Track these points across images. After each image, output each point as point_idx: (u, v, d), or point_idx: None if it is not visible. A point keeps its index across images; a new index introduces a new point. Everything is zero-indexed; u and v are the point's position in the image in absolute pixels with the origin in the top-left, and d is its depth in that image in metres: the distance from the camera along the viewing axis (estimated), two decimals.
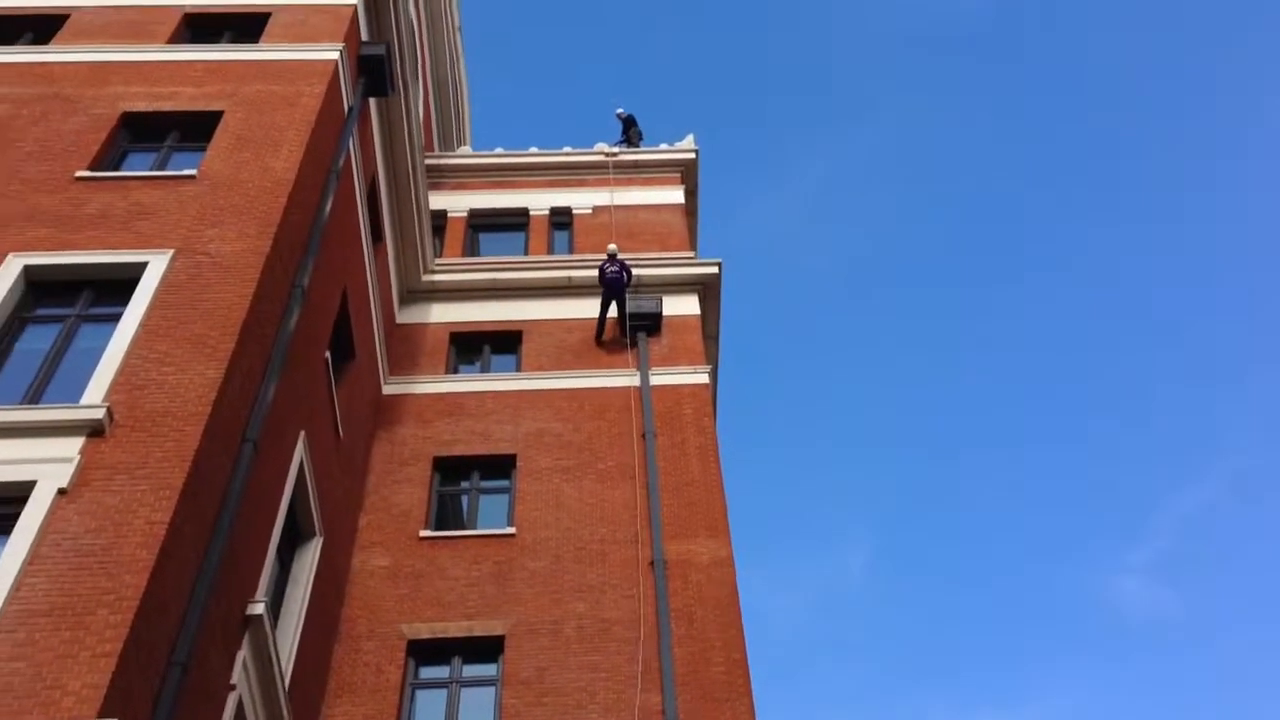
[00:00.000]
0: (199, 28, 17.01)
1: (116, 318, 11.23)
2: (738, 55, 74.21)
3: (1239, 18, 62.62)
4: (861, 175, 70.25)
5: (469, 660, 14.71)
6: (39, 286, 11.82)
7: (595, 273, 19.89)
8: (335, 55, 15.66)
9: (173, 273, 11.76)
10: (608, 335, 19.43)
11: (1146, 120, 65.99)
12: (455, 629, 14.87)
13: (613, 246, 19.82)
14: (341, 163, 15.20)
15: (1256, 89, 62.52)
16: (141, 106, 14.69)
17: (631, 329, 19.37)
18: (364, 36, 17.45)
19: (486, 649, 14.72)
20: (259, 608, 10.96)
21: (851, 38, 70.85)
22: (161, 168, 13.90)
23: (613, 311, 19.49)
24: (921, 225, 68.39)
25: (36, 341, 11.32)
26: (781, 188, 70.38)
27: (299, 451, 13.14)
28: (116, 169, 13.82)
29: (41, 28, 16.43)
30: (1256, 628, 56.32)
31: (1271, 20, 60.00)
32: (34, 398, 10.52)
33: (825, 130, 70.83)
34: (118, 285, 11.69)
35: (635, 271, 20.33)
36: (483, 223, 23.05)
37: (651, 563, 15.54)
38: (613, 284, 19.23)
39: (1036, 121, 68.67)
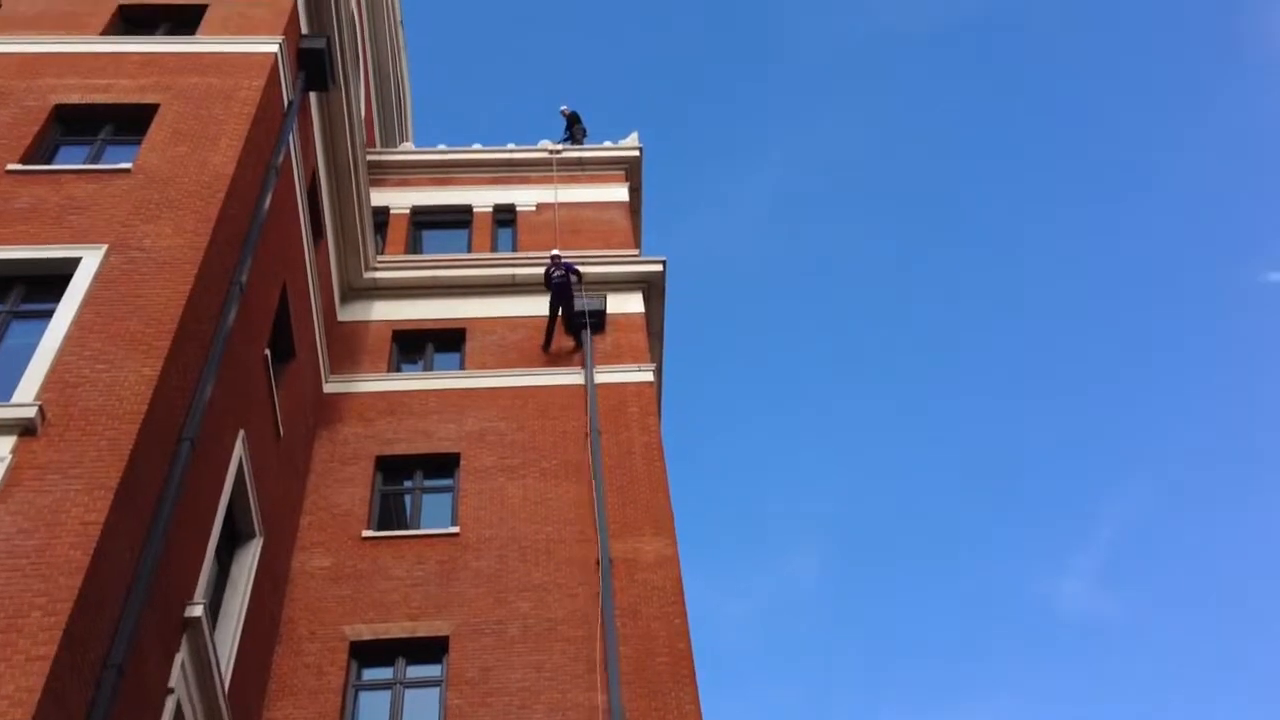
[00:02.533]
0: (134, 19, 16.68)
1: (49, 314, 10.97)
2: (692, 52, 74.34)
3: (1221, 16, 63.87)
4: (819, 177, 70.72)
5: (413, 661, 14.57)
6: None
7: (539, 270, 19.80)
8: (275, 48, 15.43)
9: (107, 268, 11.52)
10: (555, 343, 19.24)
11: (1113, 119, 67.07)
12: (398, 630, 14.72)
13: (556, 250, 19.68)
14: (281, 158, 14.97)
15: (1244, 89, 63.80)
16: (75, 99, 14.37)
17: (576, 327, 19.31)
18: (304, 29, 17.22)
19: (430, 649, 14.59)
20: (197, 609, 10.77)
21: (810, 35, 71.21)
22: (95, 161, 13.61)
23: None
24: (876, 226, 69.00)
25: None
26: (738, 188, 70.66)
27: (238, 451, 12.93)
28: (49, 163, 13.52)
29: None
30: (1188, 631, 57.66)
31: (1256, 18, 61.34)
32: None
33: (783, 131, 71.15)
34: (50, 281, 11.43)
35: (579, 269, 20.28)
36: (425, 219, 22.87)
37: (597, 561, 15.51)
38: (559, 289, 19.06)
39: (1001, 122, 69.53)
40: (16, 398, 9.95)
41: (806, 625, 61.94)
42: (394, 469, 17.35)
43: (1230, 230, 63.61)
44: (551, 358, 19.08)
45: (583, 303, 19.52)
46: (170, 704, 10.19)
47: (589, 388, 18.25)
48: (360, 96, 20.92)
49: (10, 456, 9.34)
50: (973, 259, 67.34)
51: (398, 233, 22.16)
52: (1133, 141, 66.73)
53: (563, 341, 19.25)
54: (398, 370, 19.33)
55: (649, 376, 18.85)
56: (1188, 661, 56.88)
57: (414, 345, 19.85)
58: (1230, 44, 64.74)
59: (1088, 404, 62.94)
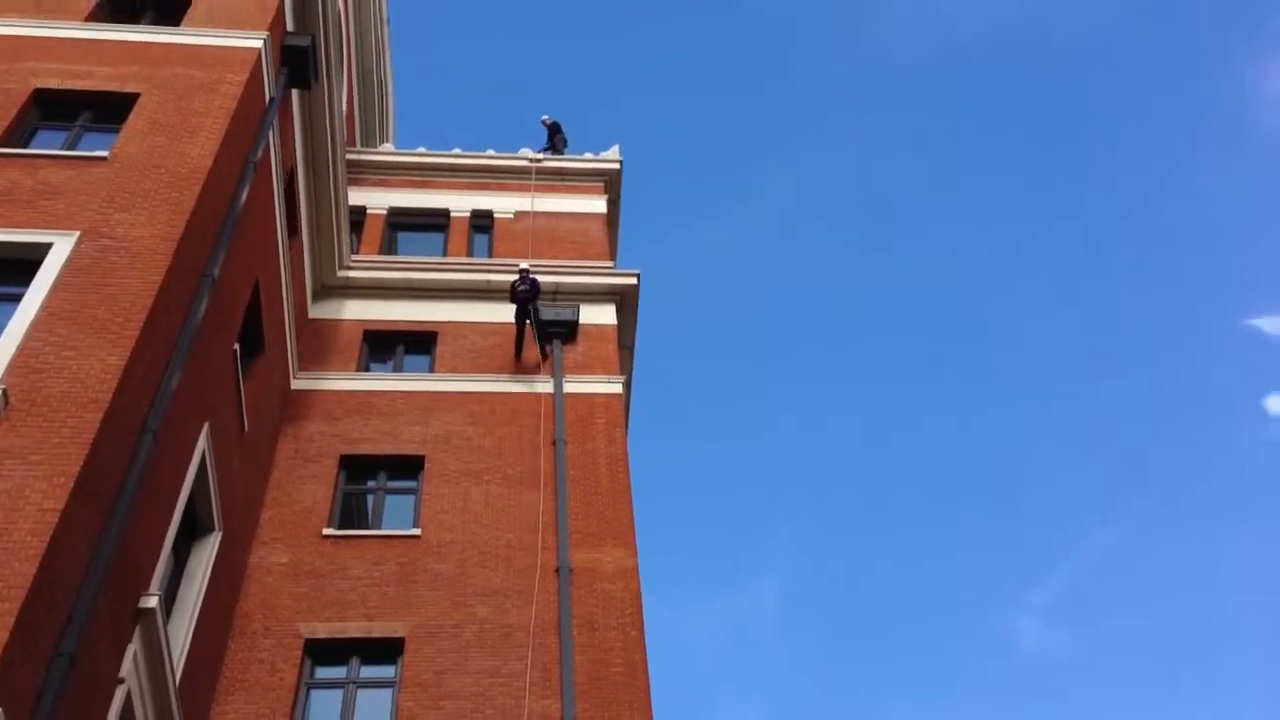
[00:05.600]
0: (118, 7, 16.64)
1: (17, 298, 10.94)
2: (685, 67, 74.48)
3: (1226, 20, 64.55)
4: (814, 205, 70.94)
5: (367, 661, 14.56)
6: None
7: (514, 277, 19.86)
8: (259, 44, 15.45)
9: (78, 255, 11.50)
10: (525, 352, 19.27)
11: (1109, 143, 67.70)
12: (354, 629, 14.72)
13: (524, 264, 19.63)
14: (260, 153, 14.98)
15: (1251, 100, 64.52)
16: (54, 84, 14.34)
17: (547, 336, 19.37)
18: (289, 26, 17.23)
19: (385, 650, 14.59)
20: (152, 601, 10.75)
21: (814, 57, 71.55)
22: (72, 148, 13.59)
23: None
24: (854, 251, 69.29)
25: None
26: (724, 205, 70.84)
27: (201, 443, 12.91)
28: (25, 146, 13.48)
29: None
30: (1138, 670, 58.17)
31: (1257, 22, 62.13)
32: None
33: (772, 153, 71.35)
34: (20, 265, 11.39)
35: (554, 279, 20.38)
36: (402, 221, 22.89)
37: (556, 569, 15.55)
38: (524, 302, 19.06)
39: (1000, 150, 69.97)
40: None
41: (767, 647, 62.07)
42: (358, 468, 17.34)
43: (1212, 271, 64.39)
44: (522, 365, 19.14)
45: (556, 312, 19.59)
46: (120, 694, 10.16)
47: (557, 397, 18.32)
48: (342, 94, 20.95)
49: None
50: (944, 292, 67.75)
51: (373, 233, 22.17)
52: (1124, 168, 67.41)
53: (533, 351, 19.30)
54: (367, 370, 19.33)
55: (618, 389, 18.93)
56: (1142, 695, 57.36)
57: (384, 346, 19.86)
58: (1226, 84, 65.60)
59: (1059, 437, 63.48)
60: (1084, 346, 64.75)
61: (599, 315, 20.37)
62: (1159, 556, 61.46)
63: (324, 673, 14.46)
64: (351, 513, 17.00)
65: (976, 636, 60.98)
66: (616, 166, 24.01)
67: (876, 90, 70.19)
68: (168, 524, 11.78)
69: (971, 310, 66.25)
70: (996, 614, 62.40)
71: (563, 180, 23.74)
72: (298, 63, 16.90)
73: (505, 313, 19.88)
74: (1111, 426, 63.50)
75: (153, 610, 10.71)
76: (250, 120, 14.95)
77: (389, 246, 22.28)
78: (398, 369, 19.48)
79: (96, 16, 16.15)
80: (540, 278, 19.70)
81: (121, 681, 10.19)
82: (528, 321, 19.12)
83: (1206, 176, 63.96)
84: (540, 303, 19.36)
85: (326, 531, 15.92)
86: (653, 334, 59.50)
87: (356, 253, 21.39)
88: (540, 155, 24.07)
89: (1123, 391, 63.95)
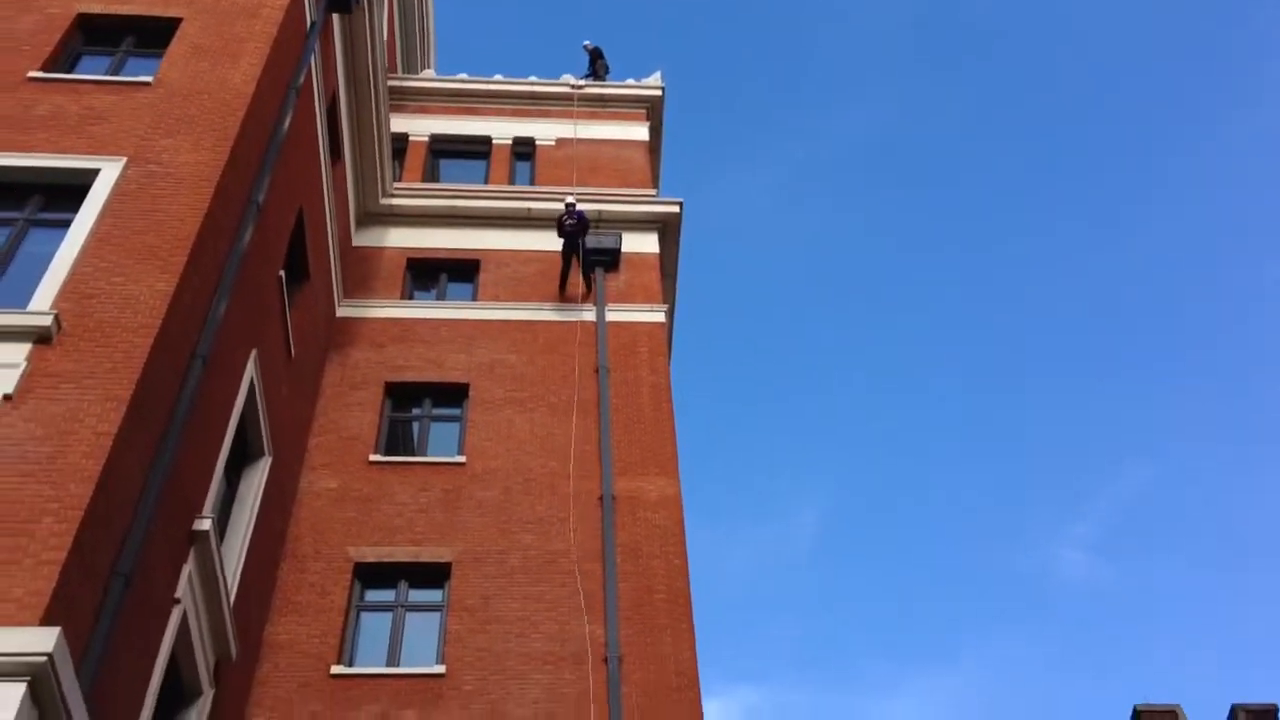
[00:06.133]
0: None
1: (67, 224, 10.96)
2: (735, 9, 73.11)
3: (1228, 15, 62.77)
4: (845, 154, 70.00)
5: (415, 585, 14.77)
6: None
7: (556, 205, 19.74)
8: None
9: (125, 181, 11.49)
10: (570, 284, 19.15)
11: (1129, 116, 66.33)
12: (402, 554, 14.90)
13: (570, 199, 19.41)
14: (302, 79, 14.87)
15: (1251, 86, 62.87)
16: (97, 8, 14.23)
17: (590, 264, 19.27)
18: None
19: (433, 575, 14.78)
20: (205, 524, 10.90)
21: (853, 18, 70.13)
22: (116, 73, 13.52)
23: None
24: (896, 208, 68.45)
25: None
26: (765, 155, 70.05)
27: (250, 370, 13.00)
28: (70, 71, 13.43)
29: None
30: (1182, 602, 58.02)
31: (1259, 16, 60.28)
32: None
33: (812, 107, 70.34)
34: (69, 190, 11.40)
35: (596, 207, 20.21)
36: (444, 148, 22.75)
37: (600, 497, 15.63)
38: (571, 238, 18.90)
39: (1024, 116, 68.68)
40: (33, 305, 9.99)
41: (804, 577, 62.48)
42: (403, 396, 17.44)
43: (1232, 228, 63.08)
44: (565, 295, 19.05)
45: (598, 240, 19.45)
46: (176, 614, 10.36)
47: (600, 325, 18.27)
48: (383, 19, 20.72)
49: (25, 364, 9.39)
50: (986, 247, 66.83)
51: (415, 160, 22.06)
52: (1139, 144, 65.96)
53: (578, 283, 19.17)
54: (410, 298, 19.35)
55: (660, 317, 18.85)
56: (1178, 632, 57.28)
57: (428, 274, 19.86)
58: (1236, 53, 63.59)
59: (1089, 386, 62.83)
60: (1126, 287, 63.82)
61: (641, 244, 20.23)
62: (1196, 490, 61.01)
63: (373, 595, 14.69)
64: (397, 439, 17.13)
65: (1019, 569, 61.05)
66: (659, 93, 23.67)
67: (898, 56, 68.77)
68: (219, 449, 11.91)
69: (1016, 259, 65.36)
70: (1039, 548, 62.35)
71: (604, 106, 23.45)
72: None
73: (547, 241, 19.78)
74: (1142, 374, 62.76)
75: (206, 533, 10.87)
76: (292, 45, 14.83)
77: (431, 174, 22.18)
78: (441, 297, 19.48)
79: None
80: (582, 206, 19.54)
81: (178, 602, 10.38)
82: (574, 256, 18.98)
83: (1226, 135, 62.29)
84: (583, 246, 19.14)
85: (373, 458, 16.06)
86: (694, 265, 59.25)
87: (399, 180, 21.32)
88: (582, 81, 23.76)
89: (1161, 332, 63.09)
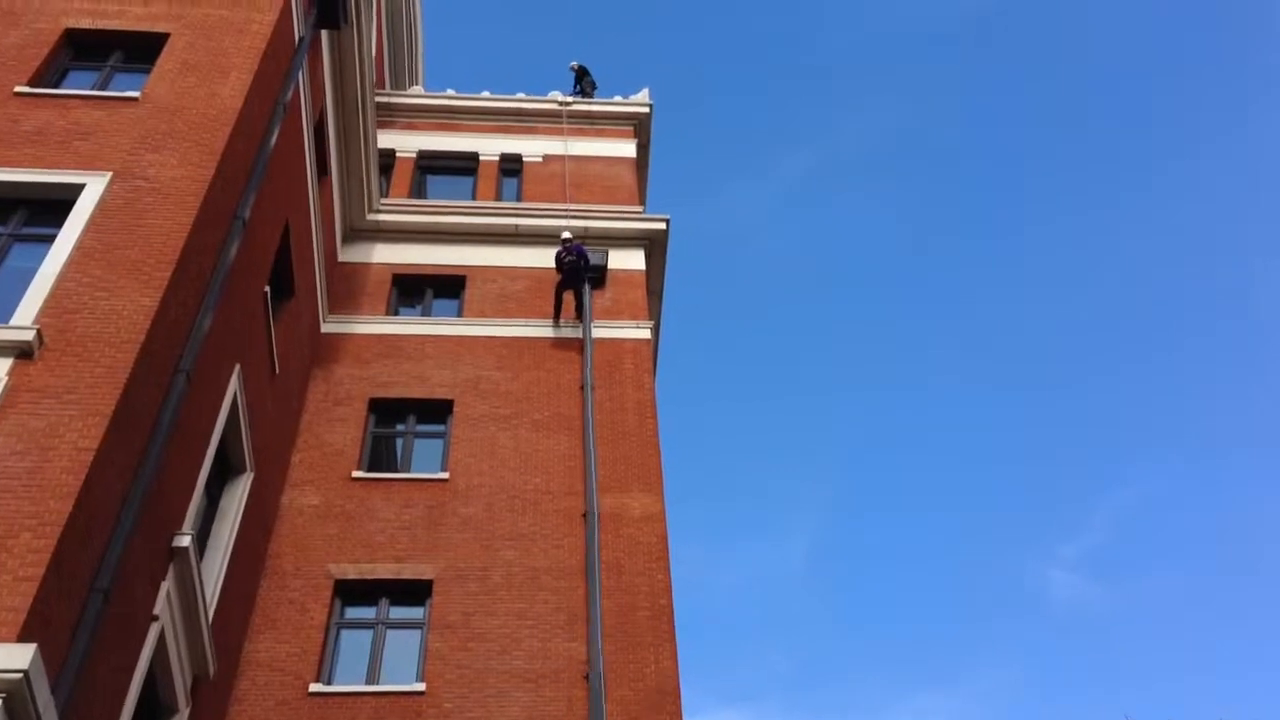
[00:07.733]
0: None
1: (50, 239, 10.98)
2: (720, 24, 73.51)
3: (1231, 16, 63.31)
4: (844, 168, 70.33)
5: (396, 602, 14.73)
6: None
7: (543, 222, 19.79)
8: None
9: (110, 196, 11.52)
10: (564, 317, 18.88)
11: (1135, 119, 66.78)
12: (383, 570, 14.87)
13: (567, 233, 19.29)
14: (290, 95, 14.90)
15: (1254, 88, 63.36)
16: (85, 23, 14.28)
17: (577, 282, 19.24)
18: None
19: (414, 592, 14.75)
20: (185, 540, 10.88)
21: (839, 28, 70.57)
22: (103, 88, 13.55)
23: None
24: (887, 216, 68.77)
25: None
26: (762, 172, 70.33)
27: (233, 385, 12.99)
28: (57, 87, 13.45)
29: None
30: (1168, 623, 58.17)
31: (1263, 19, 60.80)
32: None
33: (810, 119, 70.69)
34: (53, 205, 11.43)
35: (583, 223, 20.28)
36: (431, 164, 22.80)
37: (584, 514, 15.63)
38: (570, 275, 18.75)
39: (1025, 116, 69.11)
40: (15, 320, 10.00)
41: (793, 597, 62.42)
42: (387, 411, 17.42)
43: (1229, 231, 63.55)
44: (550, 310, 19.03)
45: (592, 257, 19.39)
46: (154, 630, 10.33)
47: (586, 342, 18.30)
48: (372, 36, 20.78)
49: (6, 379, 9.40)
50: (978, 255, 67.22)
51: (402, 176, 22.10)
52: (1143, 143, 66.44)
53: (570, 314, 19.00)
54: (396, 314, 19.35)
55: (646, 334, 18.88)
56: (1164, 651, 57.45)
57: (413, 289, 19.87)
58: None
59: (1088, 395, 63.13)
60: (1116, 301, 64.16)
61: (628, 260, 20.28)
62: (1188, 507, 61.26)
63: (354, 613, 14.64)
64: (381, 455, 17.11)
65: (1011, 589, 61.12)
66: (647, 110, 23.78)
67: (900, 60, 69.27)
68: (200, 464, 11.90)
69: (1007, 266, 65.65)
70: (1029, 567, 62.45)
71: (592, 124, 23.54)
72: (327, 2, 16.74)
73: (533, 257, 19.81)
74: (1141, 386, 63.08)
75: (186, 549, 10.84)
76: (280, 61, 14.87)
77: (418, 190, 22.23)
78: (426, 313, 19.49)
79: None
80: (569, 222, 19.53)
81: (156, 618, 10.35)
82: (571, 291, 18.80)
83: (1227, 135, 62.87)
84: (584, 285, 18.98)
85: (356, 474, 16.04)
86: (681, 282, 59.30)
87: (386, 196, 21.35)
88: (570, 98, 23.85)
89: (1151, 348, 63.45)
